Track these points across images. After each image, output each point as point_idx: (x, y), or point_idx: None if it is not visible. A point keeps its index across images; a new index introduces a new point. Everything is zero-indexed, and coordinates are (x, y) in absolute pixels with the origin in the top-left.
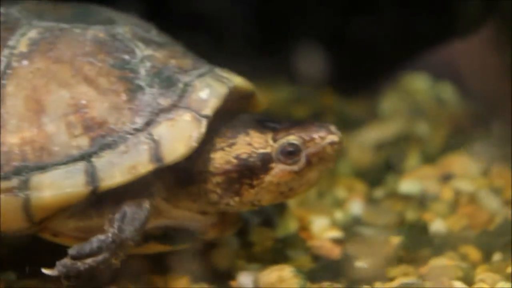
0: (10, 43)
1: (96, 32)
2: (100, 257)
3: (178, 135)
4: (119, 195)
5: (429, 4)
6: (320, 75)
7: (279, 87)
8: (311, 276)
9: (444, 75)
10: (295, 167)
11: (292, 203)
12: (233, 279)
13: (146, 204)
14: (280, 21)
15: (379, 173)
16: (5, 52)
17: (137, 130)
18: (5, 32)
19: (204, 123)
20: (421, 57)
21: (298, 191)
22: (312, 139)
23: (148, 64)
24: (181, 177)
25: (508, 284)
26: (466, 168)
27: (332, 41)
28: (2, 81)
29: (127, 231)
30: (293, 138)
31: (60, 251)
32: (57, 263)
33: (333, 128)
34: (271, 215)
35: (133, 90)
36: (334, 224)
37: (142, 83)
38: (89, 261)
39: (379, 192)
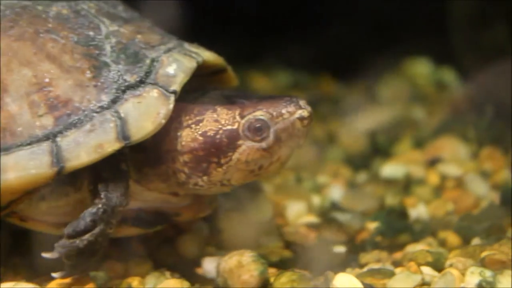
0: None
1: (59, 8)
2: (96, 230)
3: (146, 112)
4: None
5: None
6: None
7: (277, 72)
8: (280, 262)
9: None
10: (263, 144)
11: (269, 188)
12: (199, 266)
13: (124, 167)
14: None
15: (366, 158)
16: None
17: (103, 108)
18: None
19: (172, 99)
20: (424, 41)
21: (269, 169)
22: (281, 114)
23: (113, 40)
24: (150, 157)
25: (478, 270)
26: (455, 152)
27: (331, 25)
28: None
29: (114, 197)
30: (260, 113)
31: None
32: (55, 245)
33: (302, 102)
34: (243, 200)
35: (98, 67)
36: (311, 210)
37: (107, 60)
38: (86, 236)
39: (362, 177)
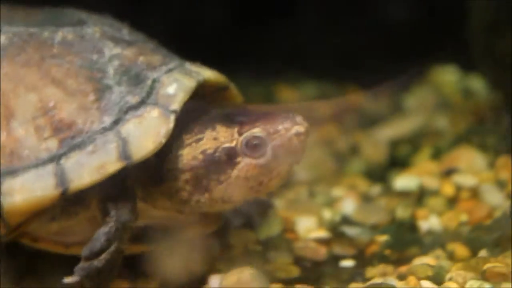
0: None
1: (65, 34)
2: (112, 248)
3: (146, 132)
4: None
5: None
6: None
7: (303, 84)
8: (286, 278)
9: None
10: (261, 160)
11: (281, 203)
12: (206, 283)
13: (130, 185)
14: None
15: (384, 169)
16: None
17: (106, 129)
18: None
19: (172, 118)
20: (451, 48)
21: (269, 185)
22: (277, 131)
23: (116, 62)
24: (154, 175)
25: (478, 283)
26: (472, 162)
27: (358, 35)
28: None
29: (124, 214)
30: (257, 130)
31: None
32: (75, 269)
33: (299, 118)
34: (253, 216)
35: (101, 89)
36: (321, 224)
37: (110, 82)
38: (103, 256)
39: (376, 189)
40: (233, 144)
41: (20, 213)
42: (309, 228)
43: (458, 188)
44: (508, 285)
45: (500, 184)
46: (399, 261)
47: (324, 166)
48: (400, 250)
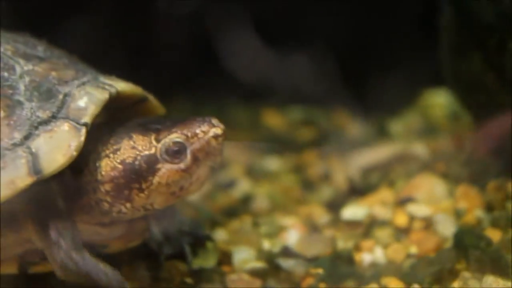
0: None
1: None
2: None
3: (57, 146)
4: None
5: None
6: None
7: (290, 108)
8: None
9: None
10: (181, 165)
11: (222, 234)
12: None
13: (60, 203)
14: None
15: (345, 198)
16: None
17: (15, 145)
18: None
19: (83, 131)
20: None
21: (189, 190)
22: (195, 135)
23: (27, 79)
24: (70, 190)
25: None
26: (431, 190)
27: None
28: None
29: (66, 239)
30: (175, 136)
31: None
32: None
33: (215, 121)
34: (184, 247)
35: (12, 106)
36: (259, 256)
37: (21, 98)
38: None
39: (325, 219)
40: (152, 151)
41: None
42: (245, 259)
43: (412, 218)
44: None
45: (458, 214)
46: None
47: (289, 194)
48: (335, 283)
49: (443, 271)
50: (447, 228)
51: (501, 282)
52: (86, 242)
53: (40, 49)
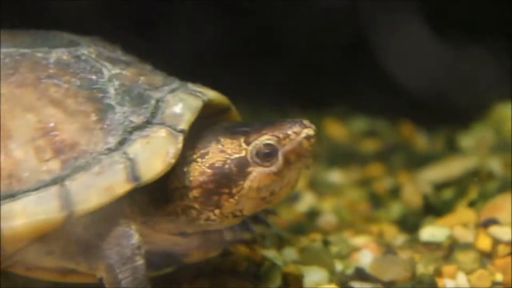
0: None
1: (59, 54)
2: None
3: (155, 152)
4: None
5: None
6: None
7: (353, 118)
8: None
9: None
10: (273, 168)
11: (290, 252)
12: None
13: (128, 212)
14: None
15: (419, 216)
16: None
17: (111, 149)
18: None
19: (180, 138)
20: None
21: (280, 195)
22: (287, 136)
23: (116, 82)
24: (156, 197)
25: None
26: None
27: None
28: None
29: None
30: (266, 138)
31: None
32: None
33: (306, 122)
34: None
35: (103, 109)
36: (332, 278)
37: (112, 102)
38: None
39: (400, 240)
40: (243, 154)
41: (20, 239)
42: (317, 281)
43: (496, 242)
44: None
45: None
46: None
47: (356, 209)
48: None
49: None
50: None
51: None
52: (168, 251)
53: (119, 53)
